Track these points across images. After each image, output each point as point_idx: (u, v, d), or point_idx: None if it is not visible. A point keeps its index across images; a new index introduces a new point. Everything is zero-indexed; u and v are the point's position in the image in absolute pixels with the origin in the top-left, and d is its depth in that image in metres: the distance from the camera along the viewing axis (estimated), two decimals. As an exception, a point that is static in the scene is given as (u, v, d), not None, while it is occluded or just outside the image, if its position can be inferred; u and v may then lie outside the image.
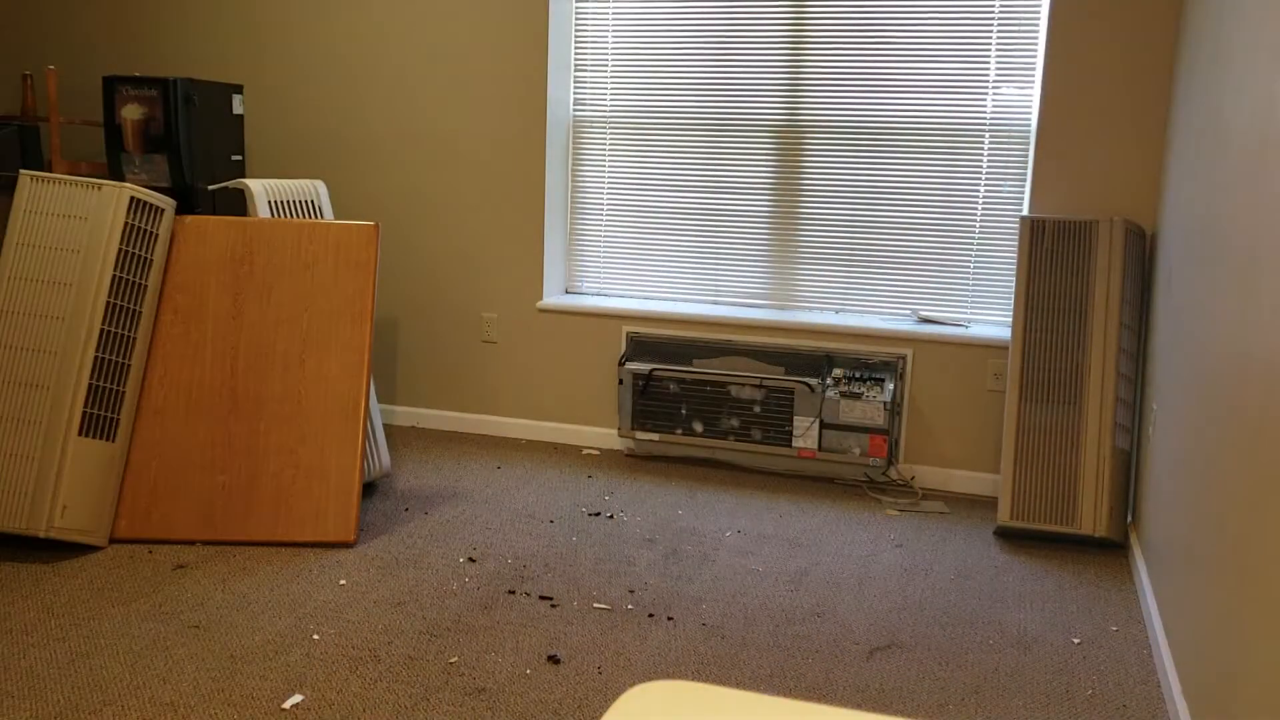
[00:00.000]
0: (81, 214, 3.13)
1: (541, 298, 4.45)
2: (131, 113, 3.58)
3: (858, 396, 3.93)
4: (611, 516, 3.61)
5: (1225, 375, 2.23)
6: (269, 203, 3.43)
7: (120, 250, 3.14)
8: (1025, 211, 3.90)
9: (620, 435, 4.28)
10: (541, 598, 2.93)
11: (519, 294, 4.48)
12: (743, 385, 4.07)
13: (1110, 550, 3.48)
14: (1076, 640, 2.80)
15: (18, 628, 2.66)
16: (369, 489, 3.77)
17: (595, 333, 4.38)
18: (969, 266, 4.06)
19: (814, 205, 4.21)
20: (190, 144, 3.59)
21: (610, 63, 4.38)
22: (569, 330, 4.43)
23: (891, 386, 3.94)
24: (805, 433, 4.00)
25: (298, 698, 2.37)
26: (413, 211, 4.57)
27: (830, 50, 4.10)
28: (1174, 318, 3.01)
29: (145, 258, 3.23)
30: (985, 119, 3.97)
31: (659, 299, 4.47)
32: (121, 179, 3.60)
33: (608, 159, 4.45)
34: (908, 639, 2.78)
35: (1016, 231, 3.90)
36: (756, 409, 4.06)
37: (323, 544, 3.23)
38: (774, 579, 3.13)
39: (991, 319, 4.07)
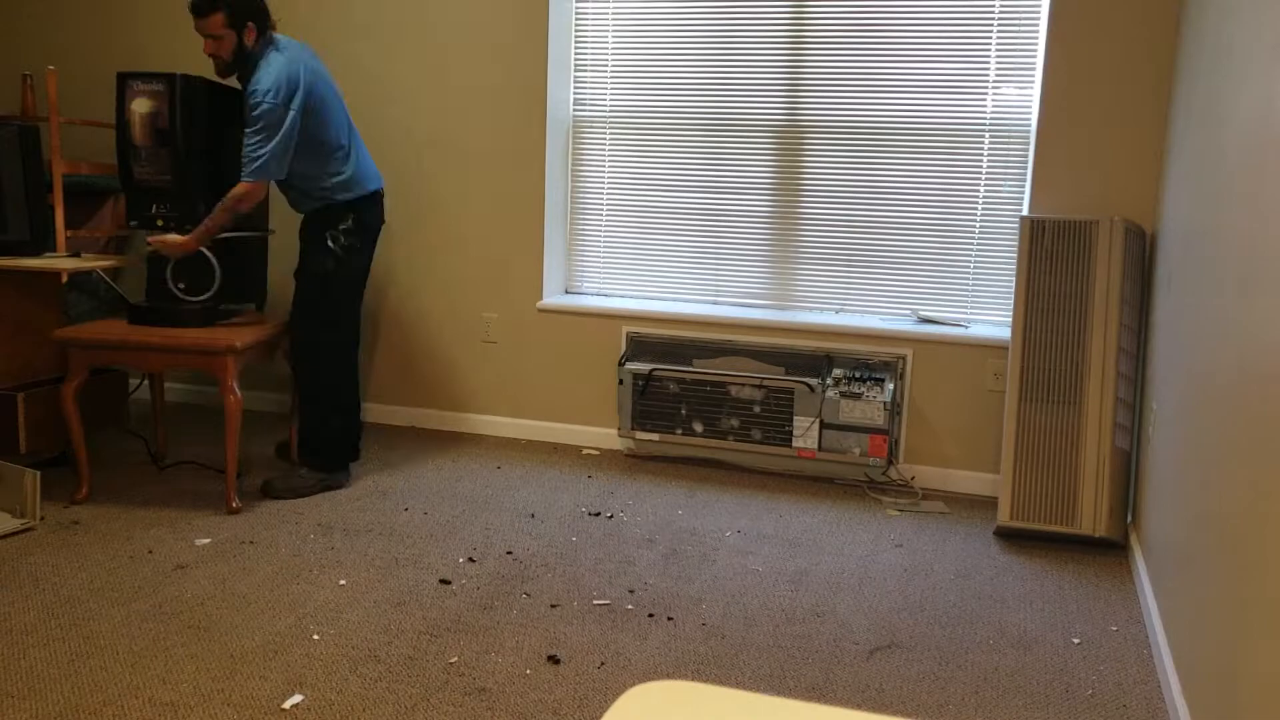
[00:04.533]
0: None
1: (541, 298, 4.45)
2: (140, 106, 3.59)
3: (858, 396, 3.93)
4: (611, 516, 3.61)
5: (1225, 375, 2.23)
6: None
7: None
8: (1025, 211, 3.90)
9: (620, 435, 4.28)
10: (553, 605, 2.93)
11: (519, 294, 4.48)
12: (743, 385, 4.07)
13: (1110, 550, 3.48)
14: (1076, 640, 2.80)
15: (18, 628, 2.66)
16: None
17: (595, 333, 4.38)
18: (969, 266, 4.06)
19: (814, 205, 4.21)
20: (190, 140, 3.60)
21: (610, 63, 4.38)
22: (569, 330, 4.43)
23: (891, 386, 3.94)
24: (805, 433, 4.00)
25: (298, 698, 2.37)
26: (412, 211, 4.57)
27: (830, 50, 4.10)
28: (1174, 318, 3.01)
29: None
30: (985, 119, 3.97)
31: (659, 299, 4.47)
32: (129, 173, 3.63)
33: (608, 159, 4.45)
34: (908, 639, 2.78)
35: (1016, 231, 3.90)
36: (756, 409, 4.06)
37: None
38: (774, 579, 3.13)
39: (991, 319, 4.07)
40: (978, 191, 4.02)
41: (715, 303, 4.40)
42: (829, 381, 3.99)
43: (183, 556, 3.13)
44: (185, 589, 2.92)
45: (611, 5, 4.34)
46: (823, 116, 4.15)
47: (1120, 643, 2.80)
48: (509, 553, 3.26)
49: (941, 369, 3.99)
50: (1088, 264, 3.55)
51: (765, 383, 4.03)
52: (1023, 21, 3.88)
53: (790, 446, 4.03)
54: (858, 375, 4.01)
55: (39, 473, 3.32)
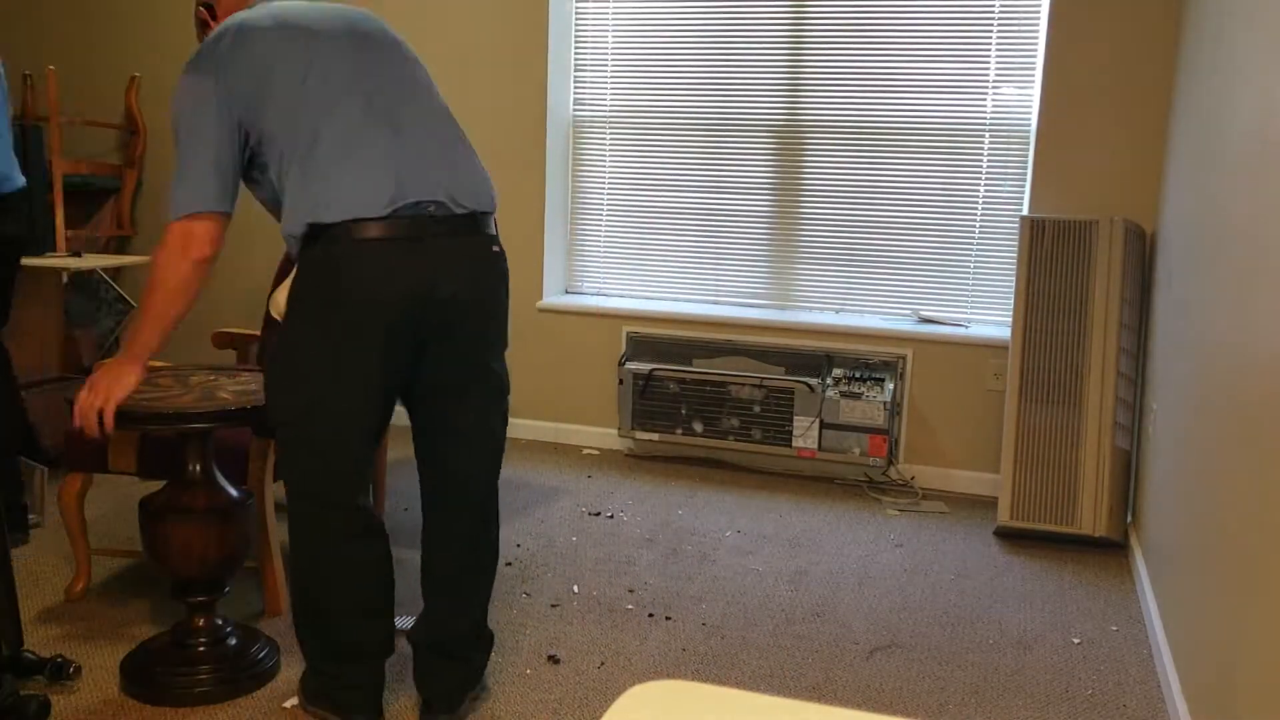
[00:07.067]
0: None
1: (541, 298, 4.45)
2: None
3: (858, 396, 3.93)
4: (611, 516, 3.61)
5: (1225, 375, 2.23)
6: None
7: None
8: (1025, 211, 3.90)
9: (620, 435, 4.28)
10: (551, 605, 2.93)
11: (519, 294, 4.48)
12: (743, 385, 4.07)
13: (1110, 550, 3.48)
14: (1076, 640, 2.80)
15: (18, 628, 2.65)
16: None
17: (595, 333, 4.38)
18: (969, 266, 4.07)
19: (814, 205, 4.21)
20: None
21: (610, 63, 4.38)
22: (569, 330, 4.43)
23: (891, 386, 3.94)
24: (805, 432, 4.00)
25: (298, 698, 2.37)
26: (413, 211, 4.56)
27: (830, 50, 4.10)
28: (1174, 317, 3.01)
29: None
30: (985, 119, 3.97)
31: (659, 299, 4.47)
32: None
33: (608, 159, 4.45)
34: (908, 639, 2.78)
35: (1016, 231, 3.90)
36: (756, 409, 4.06)
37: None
38: (774, 579, 3.13)
39: (991, 319, 4.07)
40: (978, 191, 4.02)
41: (715, 303, 4.40)
42: (829, 381, 3.99)
43: (183, 556, 3.13)
44: (185, 589, 2.91)
45: (611, 5, 4.34)
46: (823, 116, 4.15)
47: (1120, 643, 2.80)
48: (510, 553, 3.26)
49: (941, 369, 3.99)
50: (1088, 264, 3.55)
51: (765, 382, 4.04)
52: (1023, 21, 3.88)
53: (790, 446, 4.03)
54: (858, 375, 4.01)
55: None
